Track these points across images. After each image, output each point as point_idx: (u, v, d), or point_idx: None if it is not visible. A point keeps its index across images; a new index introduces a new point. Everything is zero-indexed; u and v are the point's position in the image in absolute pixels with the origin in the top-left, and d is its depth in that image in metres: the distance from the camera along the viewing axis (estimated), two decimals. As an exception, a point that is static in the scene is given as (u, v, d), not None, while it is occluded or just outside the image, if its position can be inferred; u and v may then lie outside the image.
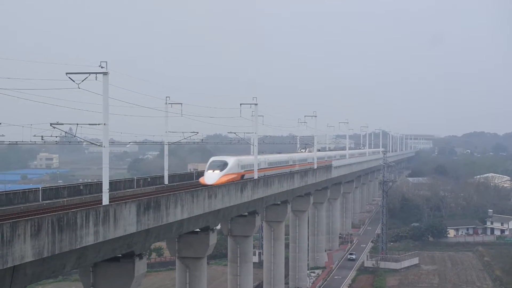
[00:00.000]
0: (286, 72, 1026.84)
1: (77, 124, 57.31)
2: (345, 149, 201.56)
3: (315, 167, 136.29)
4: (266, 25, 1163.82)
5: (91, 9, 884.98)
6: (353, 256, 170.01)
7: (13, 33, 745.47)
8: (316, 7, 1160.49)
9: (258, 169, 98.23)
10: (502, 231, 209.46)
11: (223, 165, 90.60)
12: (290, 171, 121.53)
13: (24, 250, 41.16)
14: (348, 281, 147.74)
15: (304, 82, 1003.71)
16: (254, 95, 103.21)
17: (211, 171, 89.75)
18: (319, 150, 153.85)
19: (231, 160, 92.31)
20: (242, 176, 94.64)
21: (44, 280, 54.26)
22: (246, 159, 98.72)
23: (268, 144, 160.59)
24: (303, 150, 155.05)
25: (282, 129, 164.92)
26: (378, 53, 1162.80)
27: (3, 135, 58.47)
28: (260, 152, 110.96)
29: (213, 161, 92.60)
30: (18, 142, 68.68)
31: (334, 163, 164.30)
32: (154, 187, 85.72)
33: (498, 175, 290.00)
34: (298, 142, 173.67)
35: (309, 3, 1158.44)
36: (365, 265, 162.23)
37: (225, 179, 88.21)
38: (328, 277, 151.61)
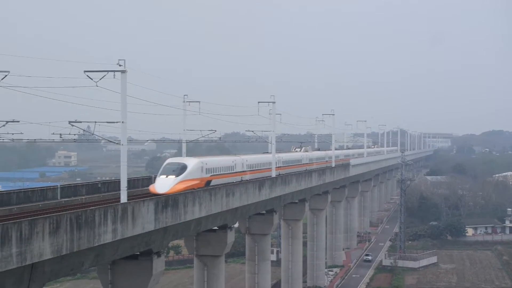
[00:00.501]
0: (300, 71, 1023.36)
1: (95, 122, 57.34)
2: (356, 148, 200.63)
3: (305, 168, 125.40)
4: (265, 25, 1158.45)
5: (95, 6, 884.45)
6: (369, 257, 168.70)
7: (15, 28, 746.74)
8: (317, 6, 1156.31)
9: (231, 173, 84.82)
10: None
11: (180, 169, 72.20)
12: (279, 174, 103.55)
13: (43, 248, 41.25)
14: (366, 279, 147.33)
15: (317, 81, 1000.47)
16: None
17: (164, 176, 71.32)
18: (318, 149, 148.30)
19: (191, 162, 74.21)
20: (208, 182, 77.11)
21: (63, 277, 54.35)
22: (213, 161, 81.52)
23: (285, 143, 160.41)
24: (298, 149, 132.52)
25: (299, 127, 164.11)
26: (386, 52, 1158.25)
27: (21, 133, 58.63)
28: (277, 150, 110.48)
29: (168, 164, 74.54)
30: (36, 140, 68.87)
31: (352, 161, 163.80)
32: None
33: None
34: (316, 140, 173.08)
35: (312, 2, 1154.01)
36: (383, 263, 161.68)
37: (181, 186, 70.23)
38: (346, 276, 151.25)
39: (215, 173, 79.31)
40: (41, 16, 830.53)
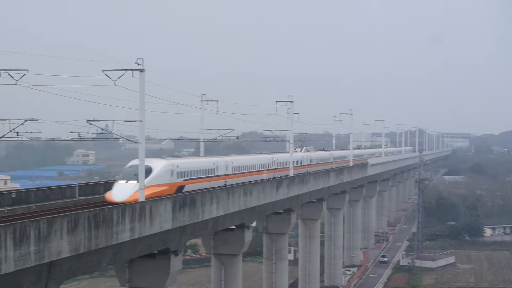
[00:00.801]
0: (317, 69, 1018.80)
1: (113, 120, 57.52)
2: (372, 148, 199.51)
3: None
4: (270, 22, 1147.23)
5: (96, 7, 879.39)
6: (385, 259, 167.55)
7: (18, 29, 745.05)
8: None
9: (211, 176, 74.54)
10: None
11: (144, 173, 59.46)
12: (274, 177, 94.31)
13: (61, 246, 41.39)
14: (383, 279, 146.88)
15: (337, 78, 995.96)
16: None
17: (124, 181, 59.83)
18: (323, 149, 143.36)
19: (158, 164, 63.17)
20: (180, 187, 66.66)
21: (80, 276, 54.58)
22: (188, 163, 70.93)
23: (303, 142, 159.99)
24: (298, 149, 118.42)
25: (318, 126, 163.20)
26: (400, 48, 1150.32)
27: (40, 132, 58.72)
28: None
29: (130, 166, 62.27)
30: (55, 139, 69.03)
31: (370, 161, 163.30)
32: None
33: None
34: (334, 140, 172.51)
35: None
36: (401, 263, 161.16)
37: (145, 193, 57.71)
38: (363, 275, 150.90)
39: (189, 177, 68.94)
40: (43, 16, 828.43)
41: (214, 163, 76.68)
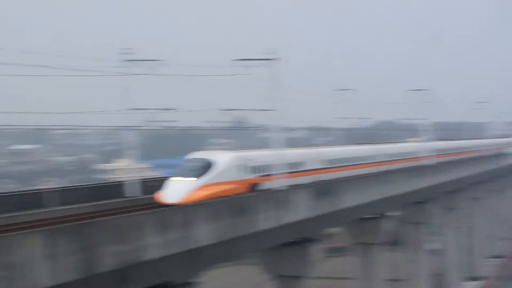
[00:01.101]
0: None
1: (246, 109, 57.96)
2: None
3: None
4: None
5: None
6: None
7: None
8: None
9: (297, 171, 62.75)
10: None
11: (202, 168, 51.53)
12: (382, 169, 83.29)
13: (204, 233, 42.15)
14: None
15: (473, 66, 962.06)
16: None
17: (179, 179, 51.03)
18: (450, 139, 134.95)
19: (222, 158, 53.24)
20: (253, 185, 55.38)
21: (222, 263, 55.02)
22: (264, 156, 57.60)
23: (438, 131, 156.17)
24: (413, 139, 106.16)
25: (454, 115, 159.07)
26: None
27: (177, 121, 59.82)
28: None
29: (188, 161, 54.21)
30: (190, 127, 70.02)
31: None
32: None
33: None
34: (470, 128, 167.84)
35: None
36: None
37: (204, 193, 49.49)
38: (508, 267, 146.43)
39: (267, 172, 56.72)
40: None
41: (301, 156, 66.01)
